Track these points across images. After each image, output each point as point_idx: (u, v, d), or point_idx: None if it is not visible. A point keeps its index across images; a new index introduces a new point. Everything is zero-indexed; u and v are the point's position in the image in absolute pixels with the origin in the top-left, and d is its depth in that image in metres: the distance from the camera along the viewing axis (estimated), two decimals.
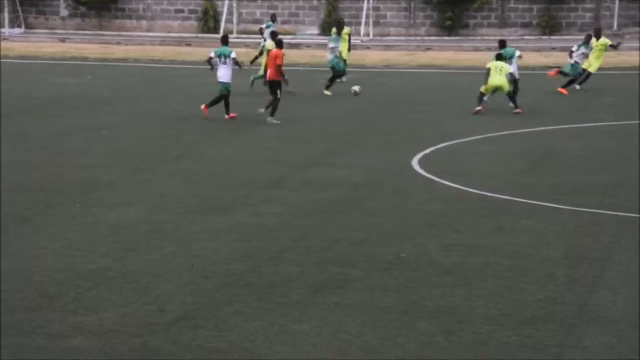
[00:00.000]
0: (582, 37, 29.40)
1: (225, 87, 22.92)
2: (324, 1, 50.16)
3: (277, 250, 12.14)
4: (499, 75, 24.59)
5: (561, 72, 28.22)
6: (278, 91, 22.46)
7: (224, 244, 12.40)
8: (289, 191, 15.60)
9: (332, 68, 27.90)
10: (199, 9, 48.52)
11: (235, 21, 48.64)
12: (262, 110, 22.80)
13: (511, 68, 25.11)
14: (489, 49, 40.69)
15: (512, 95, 24.57)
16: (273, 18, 35.42)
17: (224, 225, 13.34)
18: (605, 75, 29.37)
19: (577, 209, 14.25)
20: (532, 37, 47.93)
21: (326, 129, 22.04)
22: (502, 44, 26.77)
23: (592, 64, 28.16)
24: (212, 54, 23.78)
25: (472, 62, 36.75)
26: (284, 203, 14.68)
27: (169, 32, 47.58)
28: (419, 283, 10.86)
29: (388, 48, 41.14)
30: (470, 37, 48.71)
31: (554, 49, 40.41)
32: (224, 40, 23.93)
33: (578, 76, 28.00)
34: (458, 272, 11.27)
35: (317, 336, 9.33)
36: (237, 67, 23.35)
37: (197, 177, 16.65)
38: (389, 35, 46.46)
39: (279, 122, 22.23)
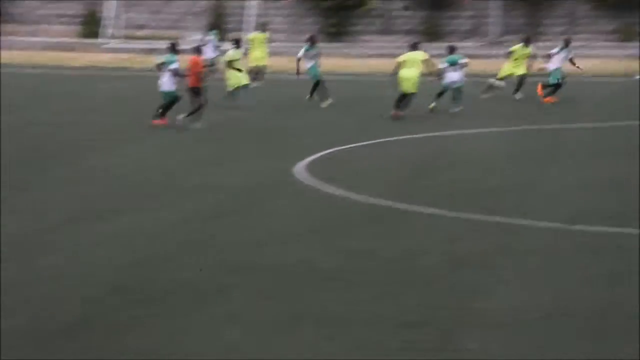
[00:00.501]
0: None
1: (164, 95, 22.97)
2: (214, 0, 49.99)
3: (160, 258, 12.07)
4: (410, 68, 24.50)
5: (547, 86, 28.59)
6: (201, 97, 22.64)
7: (108, 252, 12.28)
8: (171, 198, 15.53)
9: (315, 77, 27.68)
10: (82, 13, 47.93)
11: (122, 26, 48.15)
12: (190, 121, 22.63)
13: (427, 55, 25.14)
14: (371, 56, 41.21)
15: (409, 98, 24.69)
16: (214, 26, 35.44)
17: (107, 232, 13.21)
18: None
19: (459, 214, 14.48)
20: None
21: (214, 135, 22.03)
22: (452, 49, 27.05)
23: (516, 70, 28.79)
24: (159, 60, 23.76)
25: (357, 69, 37.13)
26: (167, 210, 14.61)
27: (52, 36, 46.90)
28: (302, 289, 10.92)
29: (273, 54, 41.20)
30: (355, 44, 49.12)
31: (437, 55, 40.99)
32: (172, 48, 23.75)
33: (560, 81, 28.53)
34: (340, 277, 11.36)
35: (201, 345, 9.32)
36: (177, 77, 23.05)
37: (80, 185, 16.46)
38: (274, 41, 46.59)
39: (200, 126, 22.32)
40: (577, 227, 13.51)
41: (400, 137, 21.93)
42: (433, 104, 25.56)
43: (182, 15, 50.79)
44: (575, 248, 12.56)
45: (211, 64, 33.43)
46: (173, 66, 22.85)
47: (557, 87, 28.33)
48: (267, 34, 32.27)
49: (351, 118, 24.37)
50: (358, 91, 28.46)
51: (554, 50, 28.81)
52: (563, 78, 28.40)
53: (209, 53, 33.54)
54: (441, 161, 19.26)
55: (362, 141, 21.24)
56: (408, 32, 50.23)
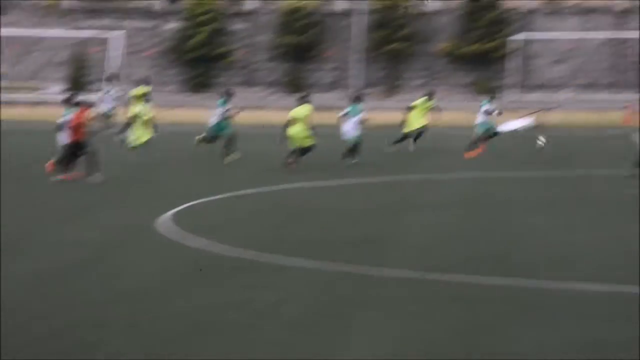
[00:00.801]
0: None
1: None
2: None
3: (10, 316, 11.68)
4: (296, 125, 24.89)
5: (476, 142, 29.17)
6: (86, 149, 22.44)
7: None
8: (28, 252, 15.17)
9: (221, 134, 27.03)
10: None
11: None
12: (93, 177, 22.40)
13: (309, 111, 25.35)
14: (235, 107, 41.28)
15: (305, 150, 24.99)
16: (111, 77, 35.23)
17: None
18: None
19: (323, 264, 14.54)
20: (278, 96, 48.93)
21: (86, 187, 21.71)
22: (357, 97, 27.24)
23: (417, 122, 29.42)
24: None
25: None
26: (21, 266, 14.25)
27: None
28: (162, 343, 10.77)
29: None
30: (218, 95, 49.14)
31: None
32: (68, 101, 23.66)
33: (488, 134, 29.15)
34: (204, 329, 11.26)
35: None
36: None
37: None
38: None
39: (103, 177, 22.09)
40: (434, 276, 13.70)
41: (270, 188, 21.98)
42: (354, 160, 26.05)
43: (42, 66, 50.06)
44: (435, 297, 12.72)
45: (108, 115, 33.49)
46: (61, 119, 22.90)
47: (488, 137, 29.25)
48: (149, 88, 32.34)
49: (220, 169, 24.32)
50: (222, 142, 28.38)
51: (486, 106, 29.57)
52: (488, 130, 29.21)
53: (107, 104, 33.73)
54: (308, 212, 19.35)
55: (231, 192, 21.21)
56: (271, 84, 50.59)
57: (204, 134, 27.73)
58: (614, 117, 40.75)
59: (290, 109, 26.46)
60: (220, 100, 28.03)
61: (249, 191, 21.56)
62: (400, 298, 12.70)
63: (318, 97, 44.45)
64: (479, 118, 29.45)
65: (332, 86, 51.40)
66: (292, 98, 44.62)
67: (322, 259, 14.78)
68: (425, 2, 54.46)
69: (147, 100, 27.09)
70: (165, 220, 17.79)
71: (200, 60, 52.82)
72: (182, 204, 19.39)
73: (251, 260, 14.86)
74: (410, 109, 30.00)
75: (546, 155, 29.17)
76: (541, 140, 27.42)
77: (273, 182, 22.85)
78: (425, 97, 30.28)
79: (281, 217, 18.70)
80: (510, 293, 12.82)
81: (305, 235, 16.84)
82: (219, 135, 27.32)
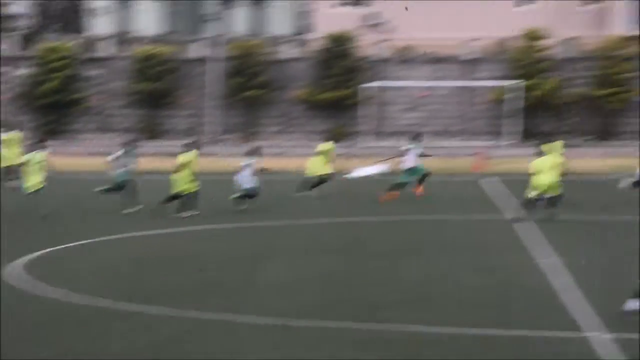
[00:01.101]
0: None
1: None
2: None
3: None
4: (183, 171, 25.02)
5: (397, 186, 28.90)
6: None
7: None
8: None
9: (120, 183, 26.21)
10: None
11: None
12: None
13: (188, 158, 25.14)
14: (91, 154, 40.88)
15: (190, 198, 25.05)
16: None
17: None
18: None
19: (180, 312, 14.50)
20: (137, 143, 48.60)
21: None
22: (255, 150, 27.08)
23: (323, 168, 29.59)
24: None
25: (75, 167, 36.61)
26: None
27: None
28: None
29: None
30: (72, 141, 48.65)
31: (155, 154, 41.33)
32: None
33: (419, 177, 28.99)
34: None
35: None
36: None
37: None
38: None
39: None
40: (297, 322, 13.83)
41: (123, 235, 21.78)
42: (245, 206, 26.04)
43: None
44: (295, 343, 12.84)
45: None
46: None
47: (402, 185, 29.10)
48: (22, 134, 31.89)
49: (74, 216, 23.98)
50: (79, 189, 28.04)
51: (412, 149, 29.44)
52: (415, 174, 29.18)
53: None
54: (166, 259, 19.23)
55: (85, 239, 20.95)
56: (126, 130, 50.24)
57: (108, 186, 26.87)
58: (464, 163, 41.81)
59: (145, 155, 26.38)
60: (128, 149, 27.10)
61: (106, 238, 21.30)
62: (257, 345, 12.77)
63: (174, 144, 44.38)
64: (411, 162, 29.23)
65: (188, 132, 51.35)
66: (147, 144, 44.32)
67: (178, 307, 14.74)
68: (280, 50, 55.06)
69: (43, 147, 26.36)
70: (15, 269, 17.47)
71: (53, 107, 52.19)
72: (33, 252, 19.06)
73: (105, 308, 14.72)
74: (319, 154, 30.26)
75: (398, 201, 29.64)
76: (533, 195, 27.67)
77: (136, 228, 22.63)
78: (331, 142, 30.76)
79: (141, 264, 18.54)
80: (372, 337, 13.03)
81: (164, 282, 16.75)
82: (124, 185, 26.46)
